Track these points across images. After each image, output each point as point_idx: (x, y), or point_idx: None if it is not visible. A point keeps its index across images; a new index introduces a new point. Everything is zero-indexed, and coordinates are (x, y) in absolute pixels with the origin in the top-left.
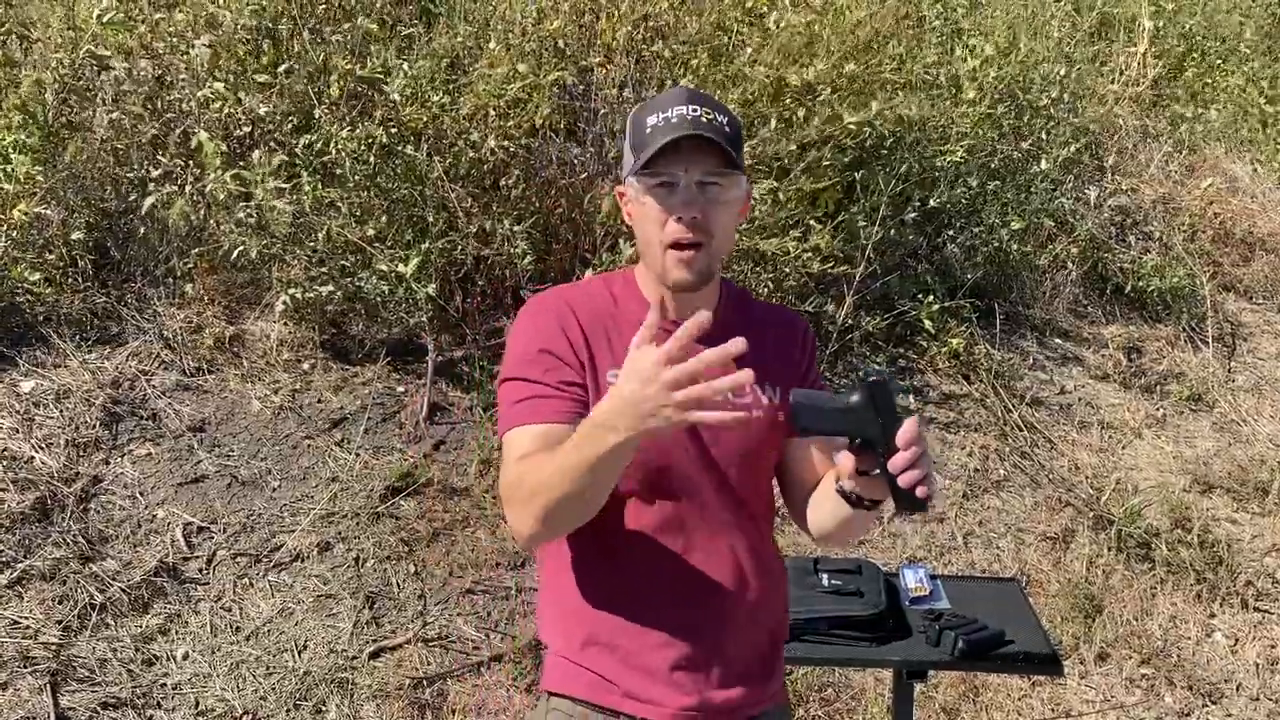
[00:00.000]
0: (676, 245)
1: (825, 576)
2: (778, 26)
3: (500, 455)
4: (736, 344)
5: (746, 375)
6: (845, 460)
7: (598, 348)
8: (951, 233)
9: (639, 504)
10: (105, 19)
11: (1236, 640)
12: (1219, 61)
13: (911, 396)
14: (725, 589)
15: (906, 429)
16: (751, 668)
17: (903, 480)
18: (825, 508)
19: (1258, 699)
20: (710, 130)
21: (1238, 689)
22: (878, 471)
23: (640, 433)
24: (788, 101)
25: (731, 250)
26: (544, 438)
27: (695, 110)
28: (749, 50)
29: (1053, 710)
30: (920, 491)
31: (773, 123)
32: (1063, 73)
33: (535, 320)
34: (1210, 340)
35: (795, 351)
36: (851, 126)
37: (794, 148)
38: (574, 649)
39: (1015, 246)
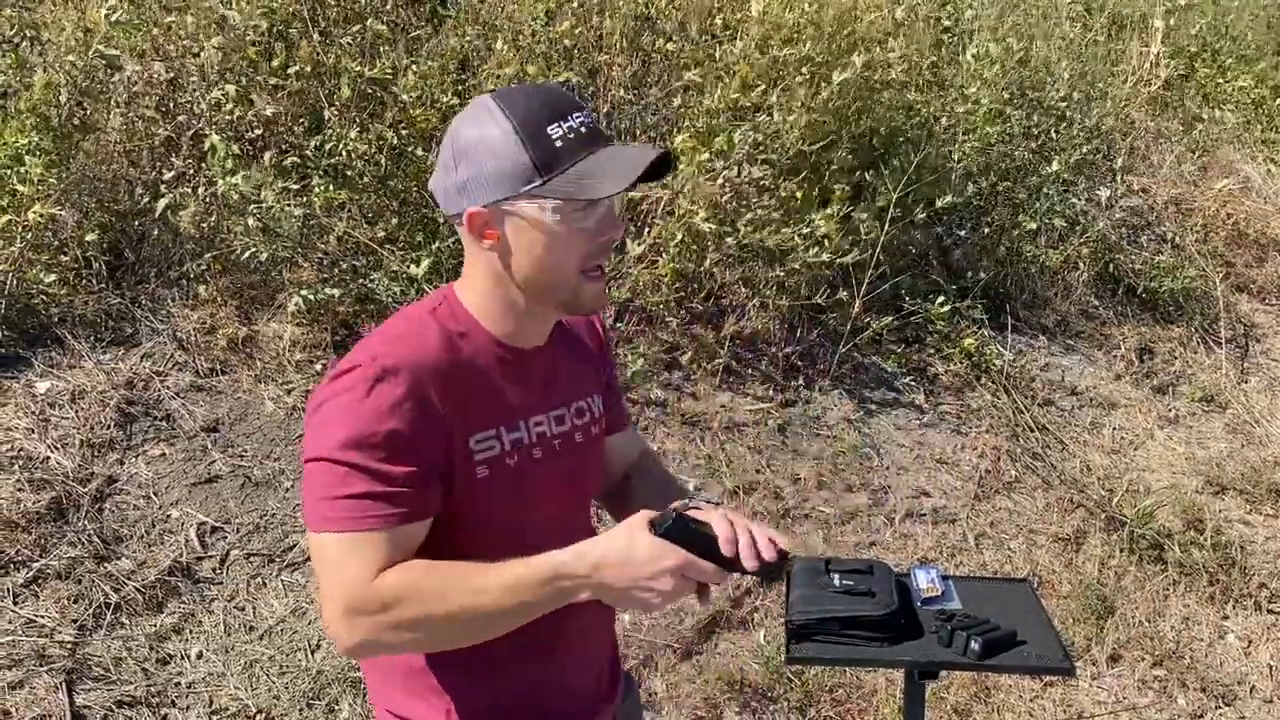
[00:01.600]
0: (597, 269)
1: (837, 577)
2: (763, 11)
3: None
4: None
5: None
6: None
7: (457, 406)
8: (963, 233)
9: (515, 542)
10: (113, 19)
11: (1250, 642)
12: (1230, 62)
13: (921, 397)
14: (569, 625)
15: (724, 540)
16: (599, 690)
17: (752, 568)
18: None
19: (1271, 701)
20: (659, 151)
21: (1251, 691)
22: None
23: (621, 604)
24: (785, 87)
25: None
26: (401, 547)
27: (589, 116)
28: (740, 43)
29: (1065, 711)
30: (771, 559)
31: (774, 96)
32: (1074, 72)
33: (392, 396)
34: (1223, 341)
35: (597, 344)
36: (845, 85)
37: (794, 116)
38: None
39: (1027, 247)
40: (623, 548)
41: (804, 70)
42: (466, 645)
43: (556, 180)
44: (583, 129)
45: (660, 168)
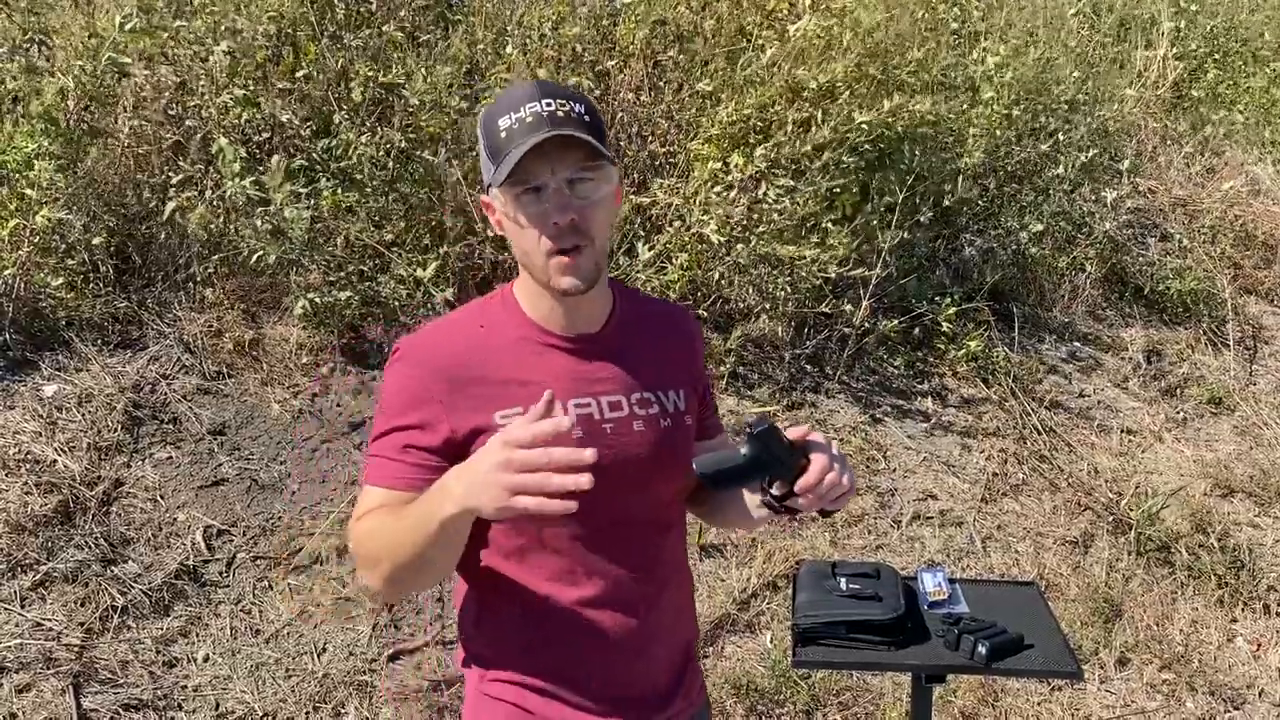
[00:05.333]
0: (559, 252)
1: (843, 580)
2: (797, 35)
3: None
4: (588, 454)
5: (581, 454)
6: (757, 498)
7: (469, 395)
8: (969, 235)
9: (558, 530)
10: (127, 27)
11: (1259, 646)
12: (1240, 64)
13: (928, 400)
14: (645, 610)
15: (817, 465)
16: (671, 683)
17: (814, 506)
18: (733, 506)
19: None
20: (571, 125)
21: (1260, 695)
22: (796, 497)
23: (470, 508)
24: (805, 105)
25: (608, 247)
26: (384, 500)
27: (549, 104)
28: (768, 53)
29: (1073, 716)
30: (834, 505)
31: (789, 126)
32: (1078, 75)
33: (399, 378)
34: (1231, 343)
35: (690, 354)
36: (864, 126)
37: (809, 148)
38: (490, 680)
39: (1033, 249)
40: (478, 452)
41: (824, 104)
42: (414, 579)
43: (500, 168)
44: (529, 117)
45: (593, 150)
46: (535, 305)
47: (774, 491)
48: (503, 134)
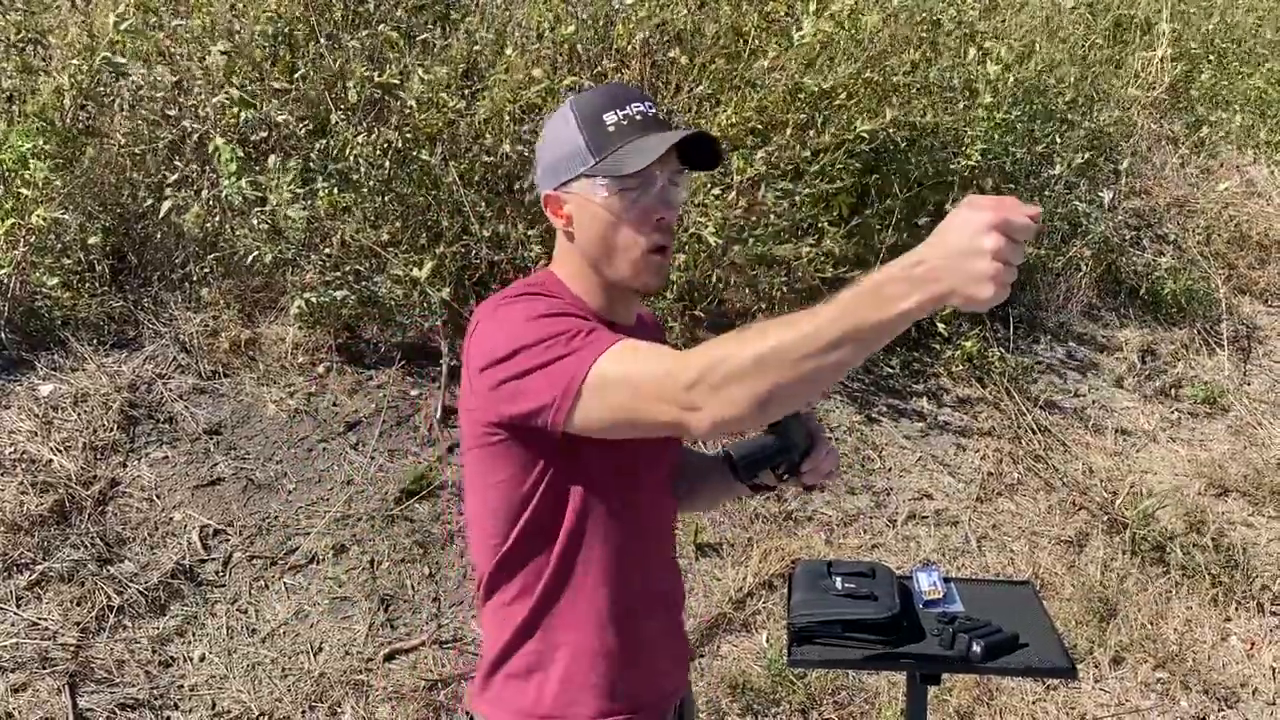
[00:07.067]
0: (659, 250)
1: (839, 580)
2: (799, 39)
3: (596, 391)
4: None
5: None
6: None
7: None
8: None
9: (614, 513)
10: (123, 27)
11: (1252, 644)
12: (1236, 64)
13: (923, 399)
14: (673, 582)
15: (828, 462)
16: (687, 649)
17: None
18: (704, 487)
19: (1274, 703)
20: (691, 131)
21: (1254, 693)
22: (786, 476)
23: (950, 296)
24: (803, 107)
25: None
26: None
27: (650, 107)
28: (769, 56)
29: (1067, 714)
30: (828, 480)
31: (788, 130)
32: (1077, 75)
33: (552, 304)
34: (1225, 343)
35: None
36: (864, 135)
37: (808, 154)
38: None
39: (1029, 249)
40: (937, 231)
41: (823, 108)
42: (799, 399)
43: (606, 160)
44: (637, 115)
45: (712, 157)
46: (590, 295)
47: (779, 473)
48: (610, 128)
